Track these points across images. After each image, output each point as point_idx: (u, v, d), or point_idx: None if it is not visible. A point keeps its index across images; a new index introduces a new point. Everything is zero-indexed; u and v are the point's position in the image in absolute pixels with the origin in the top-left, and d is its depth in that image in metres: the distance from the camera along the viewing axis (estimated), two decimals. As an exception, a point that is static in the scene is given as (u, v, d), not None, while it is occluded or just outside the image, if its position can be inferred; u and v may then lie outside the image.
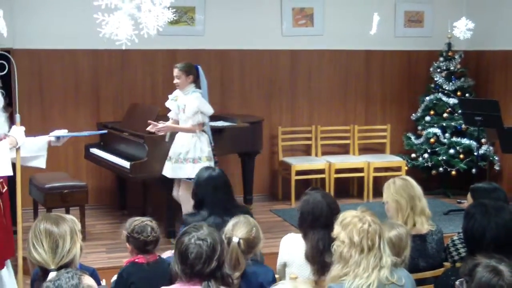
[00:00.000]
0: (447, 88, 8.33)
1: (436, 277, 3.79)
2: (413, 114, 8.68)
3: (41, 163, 4.83)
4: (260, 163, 8.02)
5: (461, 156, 8.17)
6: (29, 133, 4.70)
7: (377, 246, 3.05)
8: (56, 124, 6.85)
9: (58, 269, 2.88)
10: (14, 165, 4.53)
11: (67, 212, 6.16)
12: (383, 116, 8.85)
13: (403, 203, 3.96)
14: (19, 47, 7.21)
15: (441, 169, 8.24)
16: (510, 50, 8.24)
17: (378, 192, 8.13)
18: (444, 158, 8.20)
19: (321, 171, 8.08)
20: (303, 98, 8.54)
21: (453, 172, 8.20)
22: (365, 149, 8.69)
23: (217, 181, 4.38)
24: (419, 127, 8.59)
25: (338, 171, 8.12)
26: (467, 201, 4.33)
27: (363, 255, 3.03)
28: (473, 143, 8.00)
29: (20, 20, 7.30)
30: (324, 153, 8.47)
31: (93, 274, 3.27)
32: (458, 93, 8.31)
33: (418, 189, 4.05)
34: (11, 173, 4.44)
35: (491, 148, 8.08)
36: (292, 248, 3.82)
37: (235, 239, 3.44)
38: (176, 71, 6.05)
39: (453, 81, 8.37)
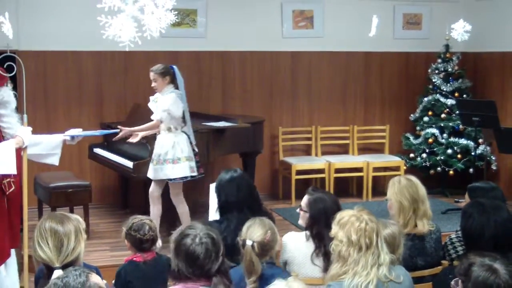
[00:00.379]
0: (445, 89, 8.37)
1: (434, 275, 3.81)
2: (412, 115, 8.71)
3: (55, 160, 4.91)
4: (261, 163, 8.06)
5: (459, 156, 8.20)
6: (34, 133, 4.75)
7: (374, 244, 3.06)
8: (60, 124, 6.94)
9: (63, 267, 2.90)
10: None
11: (71, 210, 6.22)
12: (382, 117, 8.89)
13: (405, 205, 3.93)
14: (24, 48, 7.26)
15: (439, 168, 8.27)
16: (507, 51, 8.27)
17: (377, 191, 8.24)
18: (442, 158, 8.23)
19: (321, 171, 8.12)
20: (303, 99, 8.59)
21: (451, 172, 8.23)
22: (364, 149, 8.73)
23: (239, 182, 4.27)
24: (418, 128, 8.61)
25: (338, 170, 8.16)
26: (465, 200, 4.30)
27: (361, 253, 3.04)
28: (471, 143, 8.06)
29: (25, 23, 7.36)
30: (324, 153, 8.51)
31: (96, 273, 3.34)
32: (456, 94, 8.34)
33: (422, 190, 4.01)
34: (15, 172, 4.48)
35: (488, 148, 8.11)
36: (293, 247, 3.81)
37: (248, 242, 3.39)
38: (152, 75, 6.01)
39: (450, 82, 8.40)
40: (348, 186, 8.62)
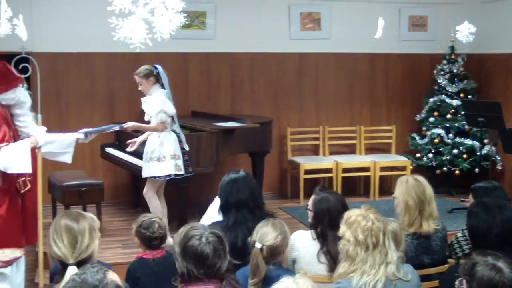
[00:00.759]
0: (450, 90, 8.42)
1: (440, 273, 3.83)
2: (418, 115, 8.76)
3: (67, 158, 5.04)
4: (270, 162, 8.13)
5: (464, 156, 8.23)
6: (47, 133, 4.89)
7: (381, 243, 3.07)
8: (73, 124, 6.99)
9: (77, 263, 2.92)
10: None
11: (84, 209, 6.23)
12: (388, 117, 8.94)
13: (411, 205, 3.93)
14: (38, 50, 7.33)
15: (445, 168, 8.31)
16: (511, 53, 8.31)
17: (384, 190, 8.29)
18: (448, 158, 8.27)
19: (329, 170, 8.17)
20: (310, 100, 8.65)
21: (457, 172, 8.27)
22: (371, 149, 8.78)
23: (240, 183, 4.21)
24: (424, 128, 8.67)
25: (345, 170, 8.20)
26: (470, 200, 4.29)
27: (369, 252, 3.05)
28: (476, 144, 8.11)
29: (39, 25, 7.45)
30: (331, 153, 8.57)
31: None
32: (461, 95, 8.38)
33: (429, 191, 3.98)
34: (30, 171, 4.60)
35: (493, 148, 8.12)
36: (301, 245, 3.81)
37: (258, 245, 3.38)
38: (136, 78, 6.07)
39: (456, 83, 8.45)
40: (355, 186, 8.66)
